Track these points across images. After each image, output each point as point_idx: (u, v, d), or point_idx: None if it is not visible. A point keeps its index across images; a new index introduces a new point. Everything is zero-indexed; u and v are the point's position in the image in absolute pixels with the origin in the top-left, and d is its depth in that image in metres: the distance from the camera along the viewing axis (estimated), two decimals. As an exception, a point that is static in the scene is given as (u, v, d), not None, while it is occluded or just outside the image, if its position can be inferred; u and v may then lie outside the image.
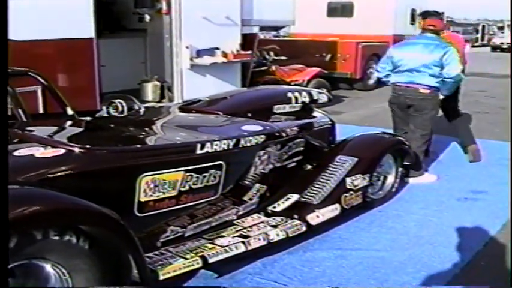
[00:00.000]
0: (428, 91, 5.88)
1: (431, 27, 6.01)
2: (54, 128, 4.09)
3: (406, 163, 5.60)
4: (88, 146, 3.33)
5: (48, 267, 2.96)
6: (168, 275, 3.35)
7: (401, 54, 6.06)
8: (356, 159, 4.91)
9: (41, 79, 4.27)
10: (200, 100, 5.34)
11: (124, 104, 4.55)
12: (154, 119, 4.76)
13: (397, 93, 6.11)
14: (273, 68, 10.68)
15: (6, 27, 1.83)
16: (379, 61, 6.74)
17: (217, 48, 8.82)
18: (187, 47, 8.42)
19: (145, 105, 5.69)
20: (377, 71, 6.91)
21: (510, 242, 3.24)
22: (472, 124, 8.30)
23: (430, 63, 5.80)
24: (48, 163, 3.15)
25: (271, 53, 10.80)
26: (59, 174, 3.12)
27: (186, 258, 3.52)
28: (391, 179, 5.44)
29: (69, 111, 4.21)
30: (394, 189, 5.49)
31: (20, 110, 3.72)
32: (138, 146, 3.74)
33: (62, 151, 3.25)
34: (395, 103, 6.20)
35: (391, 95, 6.29)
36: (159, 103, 8.52)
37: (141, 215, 3.50)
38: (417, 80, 5.89)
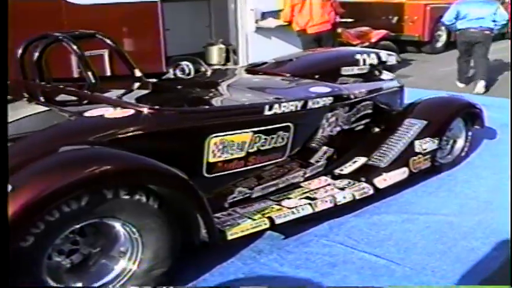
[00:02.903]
0: (489, 32, 8.83)
1: None
2: (123, 90, 4.14)
3: (476, 127, 5.43)
4: (157, 107, 3.34)
5: (118, 226, 3.02)
6: (235, 235, 3.37)
7: (467, 9, 8.84)
8: (425, 122, 4.79)
9: (108, 41, 4.30)
10: (265, 63, 5.30)
11: (191, 66, 4.56)
12: (222, 80, 4.76)
13: (469, 35, 8.87)
14: (339, 30, 10.50)
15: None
16: (446, 13, 9.27)
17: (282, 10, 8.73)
18: (252, 10, 8.36)
19: (212, 67, 5.69)
20: (444, 21, 9.46)
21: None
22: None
23: (489, 14, 8.72)
24: (118, 124, 3.18)
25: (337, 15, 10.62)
26: (128, 134, 3.14)
27: (254, 219, 3.52)
28: (460, 143, 5.29)
29: (137, 73, 4.23)
30: (463, 154, 5.34)
31: (89, 73, 3.75)
32: (207, 107, 3.74)
33: (132, 112, 3.27)
34: (465, 41, 9.01)
35: (461, 36, 9.09)
36: (224, 66, 8.51)
37: (210, 176, 3.51)
38: (483, 25, 8.75)
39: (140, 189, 2.92)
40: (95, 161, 2.85)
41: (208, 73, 4.81)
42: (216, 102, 4.11)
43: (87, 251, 3.09)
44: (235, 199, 3.74)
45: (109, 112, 3.25)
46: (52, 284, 2.81)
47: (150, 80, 4.36)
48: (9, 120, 3.22)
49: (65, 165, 2.79)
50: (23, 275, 2.64)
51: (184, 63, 4.54)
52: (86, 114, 3.25)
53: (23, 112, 3.39)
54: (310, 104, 3.98)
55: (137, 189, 2.91)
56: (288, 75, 4.81)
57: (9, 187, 2.53)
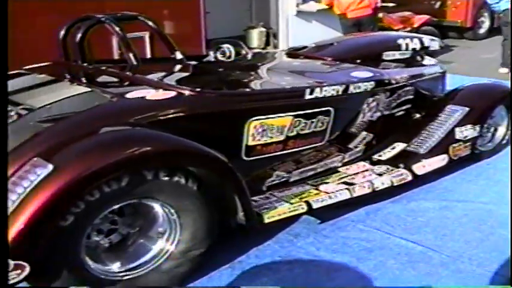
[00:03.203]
0: None
1: None
2: (164, 72, 4.09)
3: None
4: (198, 89, 3.30)
5: (157, 207, 3.00)
6: (272, 219, 3.32)
7: None
8: (467, 109, 4.65)
9: (150, 23, 4.27)
10: (306, 47, 5.21)
11: (232, 49, 4.50)
12: (262, 64, 4.69)
13: None
14: (380, 15, 10.32)
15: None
16: None
17: (324, -6, 8.62)
18: (293, -7, 8.26)
19: (252, 50, 5.63)
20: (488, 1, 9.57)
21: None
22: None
23: None
24: (159, 105, 3.14)
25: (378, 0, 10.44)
26: (169, 116, 3.10)
27: (291, 203, 3.47)
28: (502, 130, 5.13)
29: (179, 56, 4.19)
30: (504, 142, 5.19)
31: (130, 54, 3.73)
32: (248, 90, 3.68)
33: (173, 93, 3.23)
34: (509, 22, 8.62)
35: (505, 17, 8.84)
36: (264, 50, 8.45)
37: (248, 159, 3.47)
38: None
39: (180, 171, 2.89)
40: (136, 142, 2.83)
41: (249, 56, 4.75)
42: (257, 85, 4.04)
43: (126, 231, 3.09)
44: (273, 183, 3.70)
45: (150, 94, 3.21)
46: (90, 263, 2.80)
47: (191, 62, 4.32)
48: (52, 101, 3.25)
49: (107, 146, 2.77)
50: (62, 253, 2.63)
51: (225, 46, 4.49)
52: (128, 95, 3.22)
53: (65, 93, 3.38)
54: (351, 89, 3.90)
55: (177, 170, 2.88)
56: (329, 59, 4.73)
57: (51, 166, 2.54)
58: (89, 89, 3.39)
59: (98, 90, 3.37)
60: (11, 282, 2.41)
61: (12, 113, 3.22)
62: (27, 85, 3.62)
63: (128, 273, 2.94)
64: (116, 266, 2.95)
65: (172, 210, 2.98)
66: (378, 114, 4.31)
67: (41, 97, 3.45)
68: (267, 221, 3.30)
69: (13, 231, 2.41)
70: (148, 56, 6.08)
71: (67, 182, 2.51)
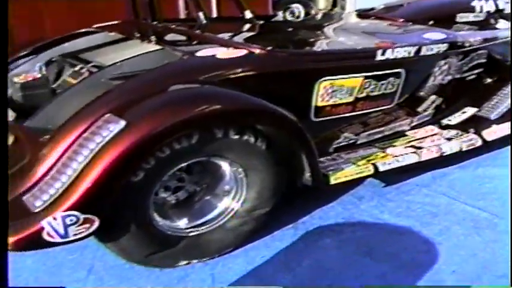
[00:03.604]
0: None
1: None
2: (234, 31, 3.99)
3: None
4: (269, 48, 3.18)
5: (224, 166, 2.94)
6: (338, 180, 3.21)
7: None
8: (542, 74, 4.40)
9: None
10: (373, 8, 5.00)
11: (301, 8, 4.36)
12: (333, 24, 4.51)
13: None
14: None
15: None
16: None
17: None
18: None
19: (321, 11, 5.44)
20: None
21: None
22: None
23: None
24: (229, 64, 3.04)
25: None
26: (239, 75, 3.00)
27: (358, 165, 3.35)
28: None
29: (248, 15, 4.07)
30: None
31: (200, 13, 3.63)
32: (318, 49, 3.54)
33: (243, 52, 3.12)
34: None
35: None
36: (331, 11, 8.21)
37: (317, 119, 3.35)
38: None
39: (249, 130, 2.81)
40: (207, 99, 2.75)
41: (319, 16, 4.58)
42: (327, 45, 3.87)
43: (193, 188, 3.04)
44: (340, 144, 3.57)
45: (221, 52, 3.12)
46: (157, 218, 2.77)
47: (260, 21, 4.19)
48: (122, 58, 3.20)
49: (178, 103, 2.70)
50: (131, 208, 2.61)
51: (294, 5, 4.35)
52: (198, 54, 3.14)
53: (135, 51, 3.33)
54: (423, 50, 3.69)
55: (246, 129, 2.80)
56: (400, 20, 4.52)
57: (123, 122, 2.49)
58: (159, 47, 3.33)
59: (168, 48, 3.30)
60: (80, 236, 2.40)
61: (83, 70, 3.20)
62: (97, 43, 3.59)
63: (193, 229, 2.91)
64: (183, 223, 2.92)
65: (240, 169, 2.91)
66: (449, 77, 4.10)
67: (112, 55, 3.43)
68: (333, 182, 3.19)
69: (83, 185, 2.38)
70: (214, 15, 5.98)
71: (139, 138, 2.45)
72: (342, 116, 3.46)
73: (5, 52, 1.56)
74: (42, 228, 2.33)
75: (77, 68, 3.27)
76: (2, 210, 1.40)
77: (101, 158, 2.41)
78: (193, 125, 2.64)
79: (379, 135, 3.76)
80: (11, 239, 2.32)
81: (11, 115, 2.92)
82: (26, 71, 3.39)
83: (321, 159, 3.34)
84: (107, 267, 2.86)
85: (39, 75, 3.31)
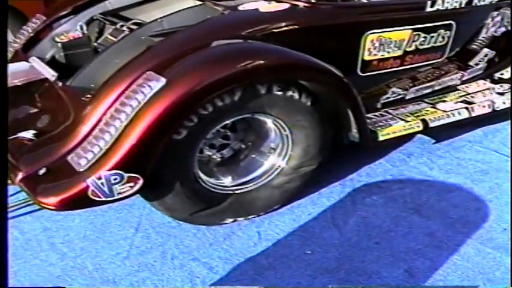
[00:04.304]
0: None
1: None
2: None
3: None
4: (313, 1, 3.04)
5: (269, 123, 2.86)
6: (387, 136, 3.11)
7: None
8: None
9: None
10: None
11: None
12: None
13: None
14: None
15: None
16: None
17: None
18: None
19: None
20: None
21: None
22: None
23: None
24: (273, 18, 2.92)
25: None
26: (283, 29, 2.87)
27: (407, 121, 3.22)
28: None
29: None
30: None
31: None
32: (365, 1, 3.38)
33: (286, 6, 2.99)
34: None
35: None
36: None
37: (364, 74, 3.20)
38: None
39: (293, 85, 2.71)
40: (249, 55, 2.65)
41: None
42: None
43: (238, 146, 2.98)
44: (389, 100, 3.44)
45: (263, 6, 3.00)
46: (202, 176, 2.73)
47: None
48: (163, 15, 3.13)
49: (219, 59, 2.61)
50: (175, 167, 2.56)
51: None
52: (240, 8, 3.04)
53: (176, 7, 3.25)
54: (475, 1, 3.50)
55: (290, 85, 2.70)
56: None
57: (164, 80, 2.42)
58: (200, 2, 3.24)
59: (210, 3, 3.21)
60: (124, 194, 2.37)
61: (124, 28, 3.14)
62: (138, 0, 3.52)
63: (239, 187, 2.86)
64: (227, 180, 2.87)
65: (285, 126, 2.83)
66: (503, 29, 3.88)
67: (152, 12, 3.37)
68: (381, 138, 3.09)
69: (126, 144, 2.35)
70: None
71: (180, 95, 2.39)
72: (389, 70, 3.30)
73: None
74: (87, 187, 2.31)
75: (117, 26, 3.21)
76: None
77: (143, 116, 2.37)
78: (236, 82, 2.55)
79: (429, 90, 3.62)
80: (56, 198, 2.31)
81: (53, 74, 2.88)
82: (67, 30, 3.35)
83: (369, 115, 3.23)
84: (153, 224, 2.85)
85: (80, 35, 3.28)
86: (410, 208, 2.94)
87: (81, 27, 3.34)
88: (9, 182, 2.52)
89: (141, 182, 2.40)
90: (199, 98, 2.46)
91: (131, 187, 2.39)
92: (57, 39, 3.22)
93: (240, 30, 2.84)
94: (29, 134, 2.64)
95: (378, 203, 3.00)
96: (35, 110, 2.89)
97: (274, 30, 2.87)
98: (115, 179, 2.34)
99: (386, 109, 3.38)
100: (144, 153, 2.38)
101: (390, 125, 3.17)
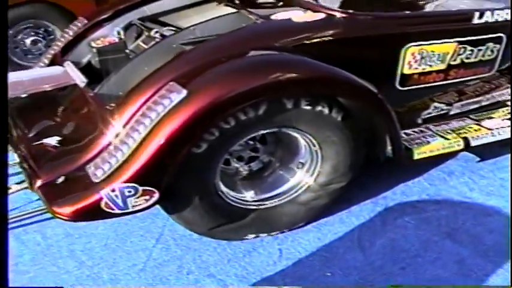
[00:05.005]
0: None
1: None
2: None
3: None
4: (351, 11, 2.92)
5: (299, 137, 2.74)
6: (423, 155, 2.93)
7: None
8: None
9: None
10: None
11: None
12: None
13: None
14: None
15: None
16: None
17: None
18: None
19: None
20: None
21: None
22: None
23: None
24: (307, 28, 2.80)
25: None
26: (316, 40, 2.75)
27: (447, 139, 3.03)
28: None
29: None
30: None
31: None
32: (406, 12, 3.21)
33: (322, 16, 2.89)
34: None
35: None
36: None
37: (403, 88, 3.04)
38: None
39: (323, 100, 2.58)
40: (276, 67, 2.54)
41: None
42: (417, 7, 3.45)
43: (267, 159, 2.89)
44: (430, 115, 3.26)
45: (298, 16, 2.90)
46: (224, 189, 2.64)
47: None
48: (196, 22, 3.07)
49: (244, 72, 2.51)
50: (193, 180, 2.48)
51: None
52: (273, 17, 2.94)
53: (215, 13, 3.19)
54: (529, 13, 3.27)
55: (320, 99, 2.57)
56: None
57: (185, 92, 2.36)
58: (235, 10, 3.17)
59: (244, 11, 3.12)
60: (139, 207, 2.33)
61: (156, 35, 3.10)
62: (178, 5, 3.48)
63: (262, 202, 2.76)
64: (249, 195, 2.77)
65: (314, 141, 2.70)
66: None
67: (189, 18, 3.32)
68: (416, 157, 2.92)
69: (142, 157, 2.29)
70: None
71: (199, 108, 2.31)
72: (432, 84, 3.13)
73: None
74: (101, 199, 2.26)
75: (152, 33, 3.17)
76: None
77: (160, 129, 2.31)
78: (260, 95, 2.45)
79: (476, 106, 3.41)
80: (70, 209, 2.29)
81: (83, 80, 2.88)
82: (105, 35, 3.34)
83: (407, 130, 3.08)
84: (175, 236, 2.79)
85: (116, 40, 3.26)
86: (443, 232, 2.78)
87: (118, 33, 3.32)
88: (27, 187, 2.54)
89: (156, 195, 2.34)
90: (220, 111, 2.38)
91: (146, 200, 2.33)
92: (93, 44, 3.21)
93: (270, 41, 2.74)
94: (53, 141, 2.63)
95: (409, 224, 2.84)
96: (63, 116, 2.87)
97: (307, 41, 2.77)
98: (129, 192, 2.29)
99: (427, 125, 3.21)
100: (160, 167, 2.32)
101: (428, 143, 3.00)
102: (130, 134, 2.38)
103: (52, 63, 3.30)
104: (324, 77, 2.64)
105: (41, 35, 4.99)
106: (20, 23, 4.83)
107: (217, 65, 2.50)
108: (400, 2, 3.44)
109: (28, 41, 4.96)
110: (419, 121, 3.24)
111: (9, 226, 2.77)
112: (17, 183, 2.77)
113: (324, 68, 2.61)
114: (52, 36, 4.96)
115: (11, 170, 2.79)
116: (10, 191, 2.77)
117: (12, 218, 2.81)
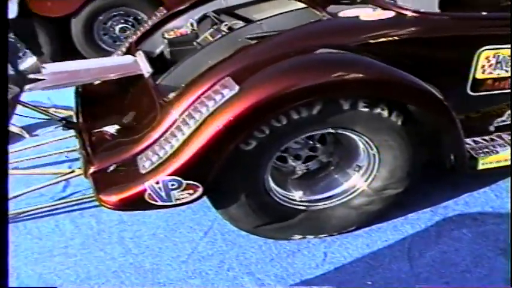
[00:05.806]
0: None
1: None
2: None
3: None
4: (423, 10, 2.77)
5: (357, 140, 2.65)
6: (488, 165, 2.76)
7: None
8: None
9: None
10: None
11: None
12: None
13: None
14: None
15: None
16: None
17: None
18: None
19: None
20: None
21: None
22: None
23: None
24: (373, 27, 2.68)
25: None
26: (382, 39, 2.62)
27: (517, 149, 2.85)
28: None
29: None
30: None
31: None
32: (484, 13, 3.01)
33: (391, 14, 2.76)
34: None
35: None
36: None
37: (475, 94, 2.85)
38: None
39: (382, 103, 2.47)
40: (335, 66, 2.47)
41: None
42: (493, 7, 3.18)
43: (326, 159, 2.82)
44: (503, 123, 3.02)
45: (366, 13, 2.78)
46: (273, 186, 2.60)
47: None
48: (264, 16, 3.02)
49: (301, 69, 2.44)
50: (241, 177, 2.45)
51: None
52: (341, 14, 2.84)
53: (286, 8, 3.14)
54: None
55: (379, 102, 2.46)
56: None
57: (237, 88, 2.34)
58: (304, 6, 3.09)
59: (313, 7, 3.04)
60: (183, 201, 2.33)
61: (224, 28, 3.09)
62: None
63: (312, 204, 2.70)
64: (298, 194, 2.71)
65: (372, 144, 2.61)
66: None
67: (265, 11, 3.29)
68: (480, 167, 2.75)
69: (188, 151, 2.29)
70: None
71: (249, 105, 2.28)
72: (507, 90, 2.93)
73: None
74: (145, 190, 2.29)
75: (222, 26, 3.16)
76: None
77: (208, 124, 2.30)
78: (315, 94, 2.39)
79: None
80: (115, 197, 2.33)
81: (148, 71, 2.91)
82: (178, 26, 3.37)
83: (476, 138, 2.90)
84: (223, 231, 2.77)
85: (188, 31, 3.28)
86: (499, 248, 2.59)
87: (192, 24, 3.34)
88: (81, 173, 2.61)
89: (200, 190, 2.34)
90: (271, 109, 2.34)
91: (190, 194, 2.34)
92: (166, 35, 3.25)
93: (335, 39, 2.66)
94: (112, 129, 2.69)
95: (465, 237, 2.68)
96: (125, 105, 2.92)
97: (372, 40, 2.65)
98: (173, 185, 2.30)
99: (499, 133, 3.01)
100: (206, 162, 2.31)
101: (497, 152, 2.81)
102: (180, 127, 2.39)
103: (128, 52, 3.36)
104: (385, 80, 2.52)
105: (130, 23, 5.12)
106: (111, 10, 4.98)
107: (275, 62, 2.45)
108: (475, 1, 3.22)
109: (117, 28, 5.11)
110: (492, 128, 3.02)
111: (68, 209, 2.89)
112: (79, 168, 2.85)
113: (385, 69, 2.51)
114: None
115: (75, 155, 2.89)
116: (73, 174, 2.87)
117: (72, 201, 2.91)
